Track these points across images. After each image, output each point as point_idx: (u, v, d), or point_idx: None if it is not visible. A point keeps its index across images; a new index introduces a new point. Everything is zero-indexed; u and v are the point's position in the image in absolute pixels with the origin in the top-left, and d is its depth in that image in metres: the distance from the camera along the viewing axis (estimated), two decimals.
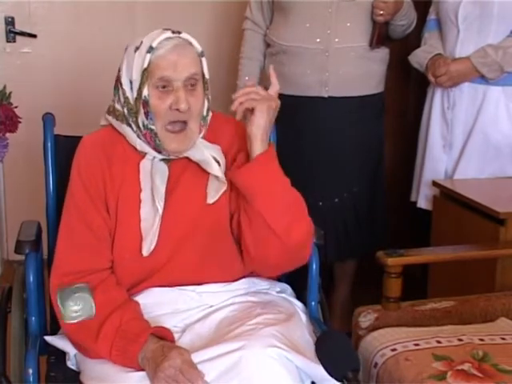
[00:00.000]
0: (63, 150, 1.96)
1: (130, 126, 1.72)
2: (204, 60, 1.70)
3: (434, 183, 2.67)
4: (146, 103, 1.66)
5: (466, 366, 1.83)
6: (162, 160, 1.74)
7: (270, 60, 2.76)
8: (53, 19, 3.29)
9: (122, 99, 1.72)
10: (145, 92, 1.65)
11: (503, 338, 1.97)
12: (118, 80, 1.73)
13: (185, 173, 1.74)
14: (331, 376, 1.42)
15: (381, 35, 2.69)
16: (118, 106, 1.74)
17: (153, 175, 1.71)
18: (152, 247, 1.66)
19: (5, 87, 2.12)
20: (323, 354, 1.45)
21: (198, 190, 1.72)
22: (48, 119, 1.97)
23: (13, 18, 3.25)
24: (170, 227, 1.69)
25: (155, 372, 1.51)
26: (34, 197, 2.87)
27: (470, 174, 2.68)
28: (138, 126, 1.70)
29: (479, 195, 2.45)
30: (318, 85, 2.67)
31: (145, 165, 1.73)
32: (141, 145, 1.72)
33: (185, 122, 1.68)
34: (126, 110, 1.71)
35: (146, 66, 1.64)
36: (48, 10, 3.28)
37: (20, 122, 2.10)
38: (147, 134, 1.69)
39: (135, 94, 1.67)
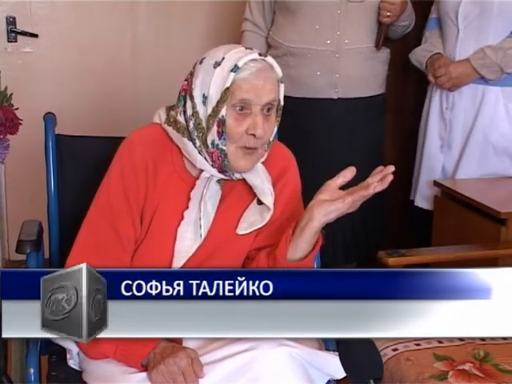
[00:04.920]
0: (64, 150, 1.96)
1: (191, 140, 1.66)
2: (282, 86, 1.65)
3: (435, 183, 2.68)
4: (221, 123, 1.59)
5: (467, 366, 1.83)
6: (218, 180, 1.68)
7: None
8: (54, 19, 3.28)
9: (190, 112, 1.64)
10: (223, 112, 1.58)
11: (504, 338, 1.96)
12: (188, 92, 1.65)
13: (229, 194, 1.70)
14: (352, 381, 1.40)
15: (385, 36, 2.71)
16: (180, 119, 1.67)
17: (205, 198, 1.66)
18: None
19: (6, 89, 2.11)
20: (347, 357, 1.40)
21: (233, 217, 1.69)
22: (49, 119, 1.96)
23: (14, 18, 3.24)
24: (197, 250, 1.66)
25: (158, 364, 1.51)
26: (35, 196, 2.88)
27: (470, 175, 2.69)
28: (204, 143, 1.63)
29: (480, 195, 2.46)
30: (327, 86, 2.65)
31: (199, 183, 1.68)
32: (200, 162, 1.66)
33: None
34: (191, 124, 1.64)
35: (228, 85, 1.57)
36: (49, 9, 3.28)
37: (21, 124, 2.10)
38: (215, 153, 1.63)
39: (209, 111, 1.60)
